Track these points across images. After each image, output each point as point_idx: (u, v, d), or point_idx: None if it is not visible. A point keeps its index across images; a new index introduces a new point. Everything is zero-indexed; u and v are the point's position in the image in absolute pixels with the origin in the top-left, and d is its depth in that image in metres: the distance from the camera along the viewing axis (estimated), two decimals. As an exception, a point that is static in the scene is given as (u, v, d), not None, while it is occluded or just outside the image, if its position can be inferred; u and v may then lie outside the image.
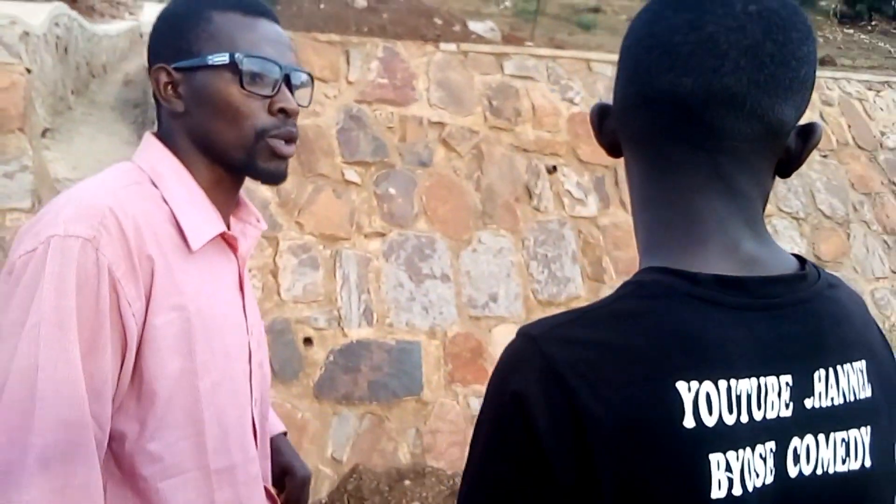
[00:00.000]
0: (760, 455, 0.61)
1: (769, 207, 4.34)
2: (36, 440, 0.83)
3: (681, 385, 0.59)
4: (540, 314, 3.61)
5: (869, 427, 0.66)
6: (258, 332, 1.11)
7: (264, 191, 3.23)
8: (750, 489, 0.60)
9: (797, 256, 0.71)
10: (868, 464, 0.65)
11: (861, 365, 0.67)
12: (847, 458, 0.65)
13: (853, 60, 10.71)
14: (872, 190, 4.97)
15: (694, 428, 0.58)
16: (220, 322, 0.99)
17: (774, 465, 0.62)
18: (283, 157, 1.01)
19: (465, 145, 3.77)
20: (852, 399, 0.66)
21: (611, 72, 4.36)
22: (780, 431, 0.62)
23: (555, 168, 3.92)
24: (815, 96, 5.03)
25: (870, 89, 5.41)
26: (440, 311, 3.39)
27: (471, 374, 3.33)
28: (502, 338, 3.45)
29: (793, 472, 0.63)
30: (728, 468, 0.59)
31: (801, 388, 0.64)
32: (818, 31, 12.15)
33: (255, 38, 0.98)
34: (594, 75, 4.30)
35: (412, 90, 3.75)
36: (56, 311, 0.84)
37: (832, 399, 0.65)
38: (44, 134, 3.36)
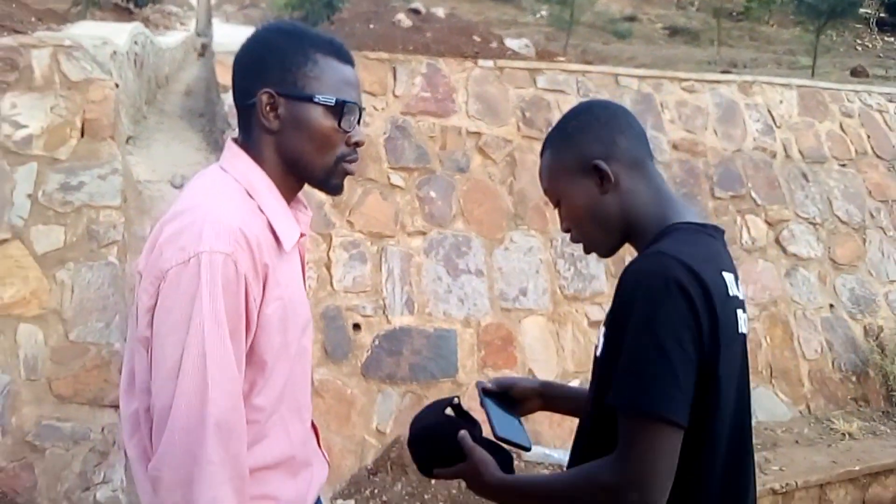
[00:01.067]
0: (740, 315, 1.15)
1: (786, 213, 4.61)
2: (212, 410, 1.06)
3: (725, 273, 1.14)
4: (566, 308, 3.95)
5: (742, 309, 1.18)
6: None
7: (319, 194, 3.62)
8: (744, 332, 1.17)
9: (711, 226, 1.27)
10: (744, 331, 1.18)
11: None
12: (744, 327, 1.17)
13: (886, 71, 10.77)
14: (889, 197, 5.20)
15: (734, 295, 1.14)
16: (298, 304, 1.29)
17: (740, 327, 1.16)
18: (349, 175, 1.31)
19: (499, 153, 4.13)
20: (739, 292, 1.19)
21: (636, 85, 4.68)
22: (738, 305, 1.15)
23: (582, 174, 4.25)
24: (835, 108, 5.29)
25: (891, 101, 5.62)
26: (474, 302, 3.75)
27: (501, 359, 3.68)
28: (531, 328, 3.80)
29: (741, 330, 1.15)
30: (739, 317, 1.14)
31: (737, 282, 1.17)
32: (857, 40, 12.15)
33: (347, 83, 1.26)
34: (621, 89, 4.61)
35: (452, 103, 4.12)
36: (213, 311, 1.07)
37: (739, 290, 1.18)
38: (127, 141, 3.80)
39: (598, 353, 1.19)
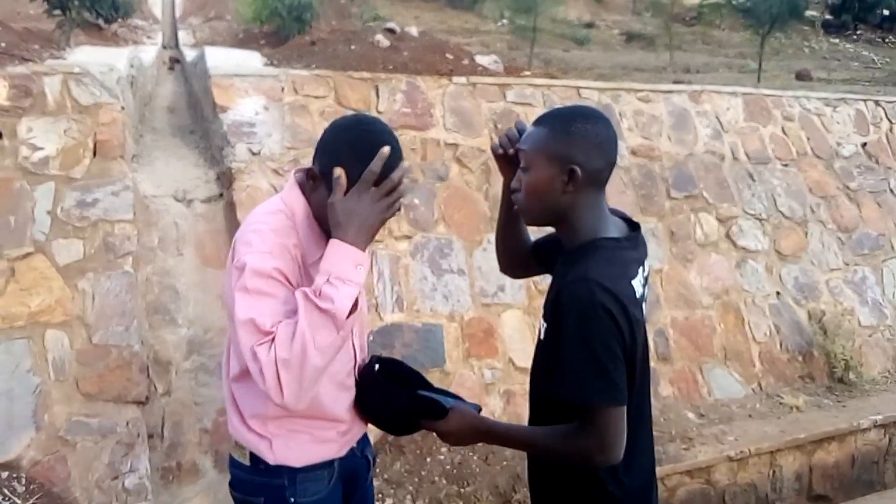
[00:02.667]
0: (643, 301, 1.55)
1: (735, 210, 5.07)
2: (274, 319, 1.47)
3: (633, 281, 1.52)
4: (541, 301, 4.33)
5: (644, 299, 1.58)
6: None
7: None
8: (644, 314, 1.56)
9: (624, 218, 1.64)
10: (644, 313, 1.58)
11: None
12: (644, 311, 1.56)
13: (829, 73, 11.41)
14: (828, 193, 5.70)
15: (639, 296, 1.53)
16: None
17: (643, 304, 1.56)
18: None
19: (475, 162, 4.50)
20: (641, 284, 1.57)
21: (597, 97, 5.10)
22: (642, 299, 1.55)
23: (551, 180, 4.65)
24: (777, 113, 5.78)
25: (827, 105, 6.14)
26: (458, 299, 4.11)
27: (484, 350, 4.05)
28: (509, 321, 4.17)
29: (642, 318, 1.55)
30: (641, 309, 1.52)
31: (642, 274, 1.58)
32: (805, 42, 12.79)
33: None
34: (582, 100, 5.02)
35: (430, 117, 4.49)
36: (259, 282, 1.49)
37: (641, 282, 1.57)
38: (132, 159, 4.08)
39: (541, 338, 1.60)
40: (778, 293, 5.07)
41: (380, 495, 3.26)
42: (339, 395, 1.69)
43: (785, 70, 11.69)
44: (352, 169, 1.49)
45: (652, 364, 4.39)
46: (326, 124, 1.64)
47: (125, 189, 3.62)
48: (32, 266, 3.32)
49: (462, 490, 3.27)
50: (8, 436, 3.01)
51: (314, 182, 1.58)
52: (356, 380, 1.74)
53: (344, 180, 1.49)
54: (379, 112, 4.38)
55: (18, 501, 2.85)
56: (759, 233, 5.22)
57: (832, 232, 5.56)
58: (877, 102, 6.41)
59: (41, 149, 3.55)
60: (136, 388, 3.25)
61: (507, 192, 1.77)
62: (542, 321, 1.59)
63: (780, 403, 4.52)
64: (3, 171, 3.45)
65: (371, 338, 3.86)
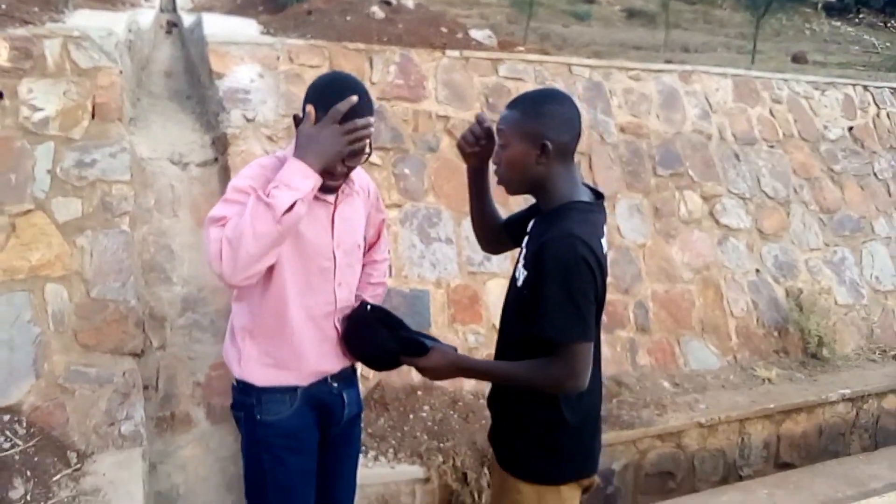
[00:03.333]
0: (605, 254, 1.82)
1: (720, 189, 5.19)
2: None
3: (602, 240, 1.79)
4: (524, 271, 4.48)
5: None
6: (347, 243, 1.99)
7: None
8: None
9: (591, 189, 1.82)
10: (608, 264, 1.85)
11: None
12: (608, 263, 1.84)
13: (825, 56, 11.46)
14: (812, 175, 5.83)
15: (605, 251, 1.79)
16: (308, 231, 1.87)
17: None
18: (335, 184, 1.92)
19: (465, 134, 4.61)
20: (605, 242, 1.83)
21: (588, 74, 5.20)
22: (605, 248, 1.83)
23: (539, 154, 4.77)
24: (766, 95, 5.88)
25: (816, 89, 6.24)
26: (445, 267, 4.25)
27: (468, 316, 4.20)
28: (494, 288, 4.32)
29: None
30: (606, 263, 1.80)
31: (606, 240, 1.86)
32: (806, 24, 12.75)
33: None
34: (574, 77, 5.13)
35: (423, 89, 4.59)
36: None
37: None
38: (129, 122, 4.19)
39: (518, 284, 1.82)
40: (757, 270, 5.22)
41: (364, 447, 3.42)
42: (312, 333, 1.92)
43: (782, 52, 11.74)
44: (321, 109, 1.73)
45: (631, 334, 4.58)
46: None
47: (122, 151, 3.73)
48: (32, 222, 3.44)
49: (442, 445, 3.43)
50: (9, 382, 3.15)
51: (295, 127, 1.81)
52: (348, 319, 1.97)
53: (313, 115, 1.72)
54: (372, 83, 4.48)
55: (20, 443, 3.01)
56: (742, 212, 5.35)
57: (814, 213, 5.69)
58: (865, 87, 6.51)
59: (41, 109, 3.65)
60: (132, 341, 3.38)
61: (473, 178, 2.07)
62: (521, 269, 1.82)
63: (754, 376, 4.69)
64: (5, 130, 3.55)
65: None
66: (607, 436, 3.80)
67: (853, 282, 5.56)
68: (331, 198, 1.94)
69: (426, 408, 3.69)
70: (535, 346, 1.73)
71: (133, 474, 3.03)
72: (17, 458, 2.96)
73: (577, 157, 4.90)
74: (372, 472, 3.34)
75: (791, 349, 5.06)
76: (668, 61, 7.48)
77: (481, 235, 2.22)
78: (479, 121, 1.95)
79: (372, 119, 1.80)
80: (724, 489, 3.75)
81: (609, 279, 4.99)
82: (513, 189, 1.86)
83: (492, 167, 1.93)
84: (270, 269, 1.83)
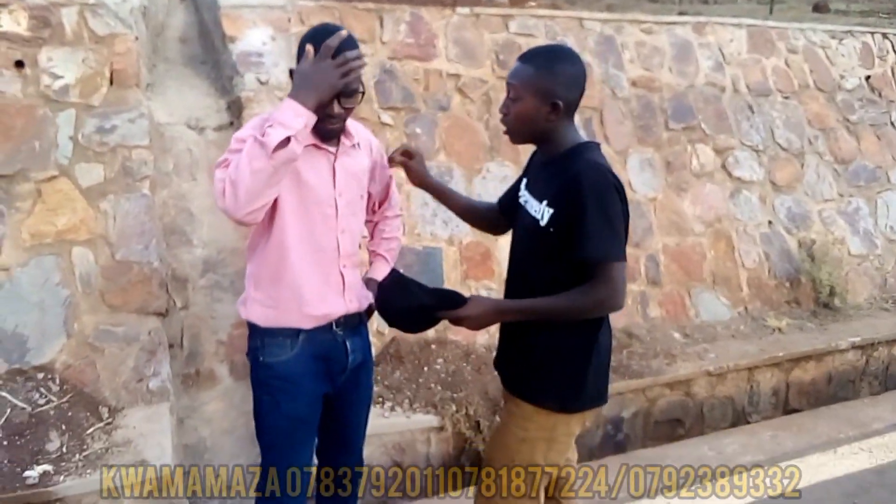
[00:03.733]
0: None
1: (732, 141, 5.19)
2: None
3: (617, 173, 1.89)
4: (536, 227, 4.55)
5: None
6: (349, 193, 2.08)
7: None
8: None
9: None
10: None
11: None
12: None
13: (847, 5, 11.19)
14: (827, 126, 5.79)
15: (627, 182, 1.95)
16: (310, 179, 1.97)
17: None
18: (335, 129, 2.00)
19: (476, 93, 4.65)
20: None
21: (599, 28, 5.18)
22: None
23: (550, 110, 4.80)
24: (781, 45, 5.82)
25: (833, 38, 6.15)
26: (457, 224, 4.33)
27: (481, 272, 4.29)
28: (506, 245, 4.36)
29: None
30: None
31: None
32: (832, -33, 12.12)
33: None
34: (585, 31, 5.11)
35: (433, 48, 4.62)
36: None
37: None
38: (146, 88, 4.28)
39: (542, 224, 1.89)
40: (770, 222, 5.24)
41: (380, 398, 3.57)
42: (314, 277, 2.04)
43: (804, 2, 11.48)
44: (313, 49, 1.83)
45: (642, 287, 4.64)
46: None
47: (140, 116, 3.82)
48: (57, 188, 3.56)
49: (455, 395, 3.56)
50: (42, 342, 3.31)
51: (290, 79, 1.91)
52: (379, 288, 2.10)
53: (311, 53, 1.80)
54: (383, 42, 4.52)
55: (54, 399, 3.18)
56: (755, 164, 5.35)
57: (828, 164, 5.67)
58: (884, 35, 6.40)
59: (61, 77, 3.74)
60: (157, 301, 3.53)
61: (427, 190, 2.30)
62: (543, 209, 1.89)
63: (764, 326, 4.75)
64: (27, 98, 3.66)
65: (374, 259, 4.11)
66: (617, 385, 3.92)
67: (867, 232, 5.56)
68: (332, 148, 2.02)
69: (440, 360, 3.81)
70: (562, 282, 1.83)
71: (162, 427, 3.20)
72: (52, 413, 3.13)
73: (588, 113, 4.93)
74: (389, 421, 3.48)
75: (803, 299, 5.10)
76: (682, 13, 7.38)
77: (479, 226, 2.42)
78: (404, 147, 2.25)
79: (362, 53, 1.88)
80: (729, 432, 3.86)
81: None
82: (518, 139, 1.99)
83: (499, 116, 2.04)
84: (274, 215, 1.95)
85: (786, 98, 5.70)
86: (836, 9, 10.62)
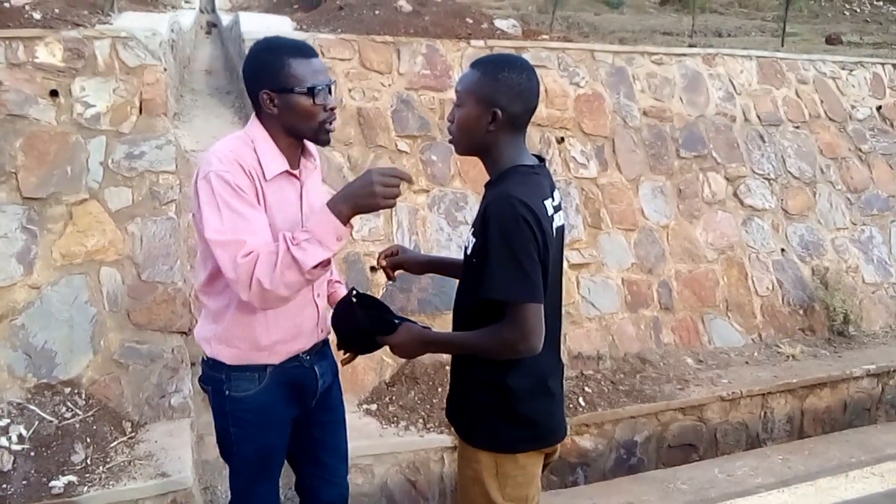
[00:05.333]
0: (556, 219, 1.83)
1: (744, 170, 5.26)
2: (254, 241, 1.76)
3: (545, 201, 1.78)
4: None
5: (557, 212, 1.85)
6: None
7: (339, 158, 4.28)
8: (561, 224, 1.88)
9: (537, 157, 1.88)
10: (561, 224, 1.89)
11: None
12: (559, 222, 1.86)
13: (861, 37, 11.29)
14: (839, 155, 5.85)
15: (551, 214, 1.82)
16: (280, 214, 1.88)
17: (556, 225, 1.82)
18: (331, 132, 1.98)
19: (491, 121, 4.77)
20: (556, 203, 1.85)
21: (611, 59, 5.31)
22: (555, 211, 1.83)
23: (563, 139, 4.92)
24: (791, 76, 5.92)
25: (843, 68, 6.24)
26: (471, 249, 4.42)
27: (495, 295, 4.36)
28: (519, 269, 4.47)
29: (556, 225, 1.83)
30: (555, 221, 1.81)
31: (553, 199, 1.84)
32: (846, 4, 12.60)
33: (314, 71, 1.86)
34: (597, 62, 5.24)
35: (449, 78, 4.76)
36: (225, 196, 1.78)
37: (556, 205, 1.85)
38: (174, 117, 4.45)
39: (468, 253, 1.83)
40: (783, 250, 5.28)
41: (395, 418, 3.64)
42: (287, 320, 1.99)
43: (818, 33, 11.60)
44: (277, 84, 1.86)
45: (654, 313, 4.69)
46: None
47: (168, 143, 3.99)
48: (88, 211, 3.71)
49: (468, 415, 3.62)
50: (69, 358, 3.43)
51: (260, 105, 1.89)
52: (334, 308, 2.04)
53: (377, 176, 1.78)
54: (400, 73, 4.68)
55: (80, 413, 3.29)
56: (767, 192, 5.41)
57: (841, 192, 5.72)
58: (895, 66, 6.48)
59: (93, 106, 3.93)
60: (180, 319, 3.64)
61: (434, 272, 2.23)
62: (469, 237, 1.82)
63: (778, 353, 4.77)
64: (61, 125, 3.83)
65: (391, 282, 4.20)
66: (629, 409, 3.96)
67: (881, 260, 5.58)
68: (297, 172, 1.97)
69: (454, 381, 3.88)
70: (487, 315, 1.73)
71: (183, 442, 3.30)
72: (77, 426, 3.24)
73: (600, 141, 5.04)
74: (403, 440, 3.55)
75: (817, 327, 5.12)
76: (692, 45, 7.52)
77: None
78: (392, 250, 2.16)
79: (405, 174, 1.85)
80: (740, 455, 3.87)
81: (632, 259, 5.08)
82: (461, 149, 1.87)
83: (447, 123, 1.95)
84: None
85: (797, 128, 5.77)
86: (849, 41, 10.72)
